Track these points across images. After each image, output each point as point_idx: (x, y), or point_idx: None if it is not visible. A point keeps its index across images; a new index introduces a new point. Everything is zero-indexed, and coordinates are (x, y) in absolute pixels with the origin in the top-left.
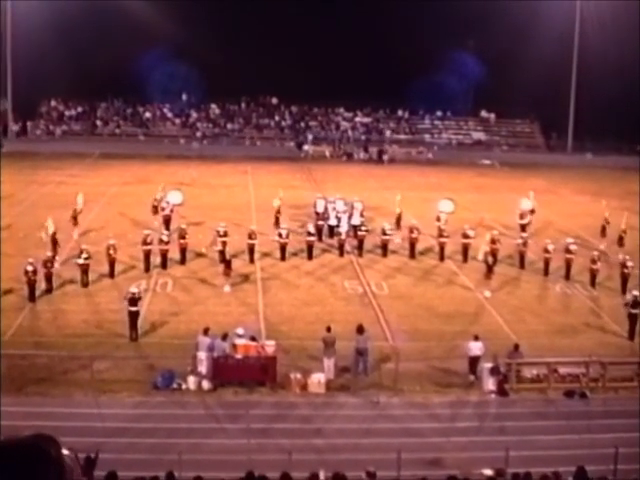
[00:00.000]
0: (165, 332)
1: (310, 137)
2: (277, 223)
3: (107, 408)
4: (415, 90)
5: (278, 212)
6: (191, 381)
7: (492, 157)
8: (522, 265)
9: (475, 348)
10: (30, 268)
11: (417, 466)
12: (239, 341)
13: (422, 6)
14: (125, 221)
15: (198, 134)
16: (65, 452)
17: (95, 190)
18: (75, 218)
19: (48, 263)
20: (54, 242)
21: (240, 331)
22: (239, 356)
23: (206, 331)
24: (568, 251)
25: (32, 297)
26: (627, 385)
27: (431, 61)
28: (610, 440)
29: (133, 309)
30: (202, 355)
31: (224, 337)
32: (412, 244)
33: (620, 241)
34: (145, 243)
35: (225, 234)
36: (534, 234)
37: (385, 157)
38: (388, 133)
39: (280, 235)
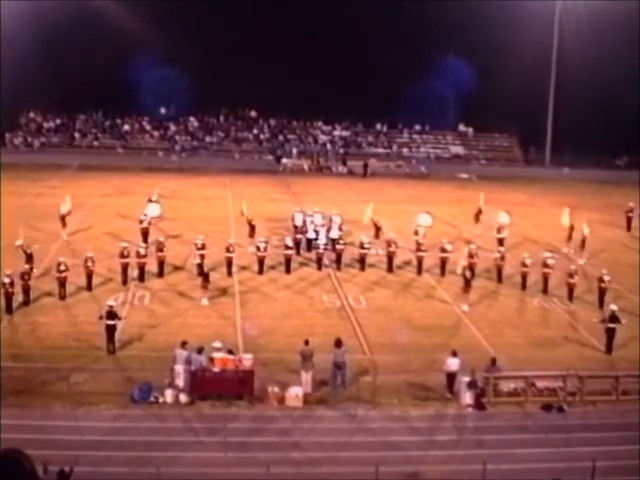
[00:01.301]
0: (143, 345)
1: (294, 151)
2: (252, 234)
3: (85, 421)
4: (394, 104)
5: (250, 222)
6: (168, 394)
7: (470, 171)
8: (500, 279)
9: (453, 364)
10: (7, 280)
11: (395, 479)
12: (217, 354)
13: (401, 21)
14: (103, 233)
15: (177, 147)
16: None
17: (74, 202)
18: (63, 219)
19: (25, 275)
20: (27, 254)
21: (217, 344)
22: (217, 369)
23: (184, 344)
24: (546, 265)
25: (9, 309)
26: (605, 399)
27: (410, 75)
28: (588, 453)
29: (110, 322)
30: (179, 368)
31: (199, 351)
32: (390, 258)
33: (582, 244)
34: (123, 256)
35: (203, 247)
36: (512, 247)
37: (369, 170)
38: (367, 147)
39: (258, 248)
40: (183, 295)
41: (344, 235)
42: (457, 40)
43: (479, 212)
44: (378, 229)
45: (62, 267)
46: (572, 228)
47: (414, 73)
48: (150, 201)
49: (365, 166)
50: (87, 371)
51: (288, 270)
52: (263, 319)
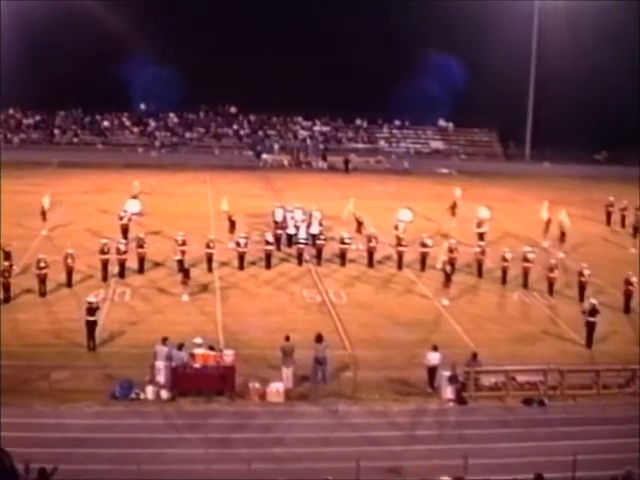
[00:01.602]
0: (123, 341)
1: (275, 147)
2: (232, 229)
3: (66, 418)
4: (374, 99)
5: (231, 218)
6: (149, 391)
7: (450, 166)
8: (480, 273)
9: (433, 358)
10: None
11: (376, 474)
12: (197, 350)
13: (381, 16)
14: (83, 230)
15: (157, 143)
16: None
17: (54, 199)
18: (44, 214)
19: (5, 273)
20: (5, 252)
21: (198, 340)
22: (197, 365)
23: (164, 340)
24: (526, 259)
25: None
26: (585, 393)
27: (389, 70)
28: (568, 447)
29: (91, 319)
30: (160, 364)
31: (180, 347)
32: (370, 253)
33: (562, 236)
34: (103, 252)
35: (184, 243)
36: (492, 242)
37: (350, 166)
38: (346, 142)
39: (238, 244)
40: (164, 291)
41: (324, 230)
42: (437, 36)
43: (454, 205)
44: (360, 224)
45: (42, 264)
46: (549, 221)
47: (394, 68)
48: (134, 197)
49: (346, 161)
50: (68, 368)
51: (268, 266)
52: (244, 315)
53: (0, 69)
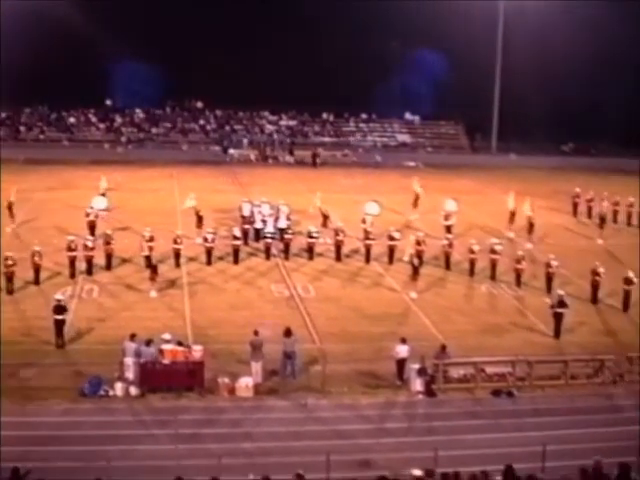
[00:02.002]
0: (92, 338)
1: (244, 142)
2: (200, 224)
3: (35, 416)
4: (340, 93)
5: (198, 213)
6: (118, 387)
7: (417, 159)
8: (448, 266)
9: (402, 351)
10: None
11: (346, 468)
12: (166, 346)
13: (346, 9)
14: (51, 227)
15: (123, 139)
16: None
17: (20, 196)
18: (10, 209)
19: None
20: None
21: (167, 336)
22: (166, 361)
23: (133, 337)
24: (493, 251)
25: None
26: (554, 383)
27: (355, 64)
28: (538, 438)
29: (59, 317)
30: (129, 361)
31: (148, 343)
32: (338, 246)
33: (530, 227)
34: (70, 249)
35: (151, 239)
36: (460, 235)
37: (318, 160)
38: (313, 136)
39: (206, 239)
40: (131, 288)
41: (292, 225)
42: (403, 29)
43: (417, 198)
44: (325, 218)
45: (9, 261)
46: (514, 212)
47: (360, 62)
48: (102, 195)
49: (314, 155)
50: (36, 366)
51: (236, 261)
52: (212, 310)
53: None
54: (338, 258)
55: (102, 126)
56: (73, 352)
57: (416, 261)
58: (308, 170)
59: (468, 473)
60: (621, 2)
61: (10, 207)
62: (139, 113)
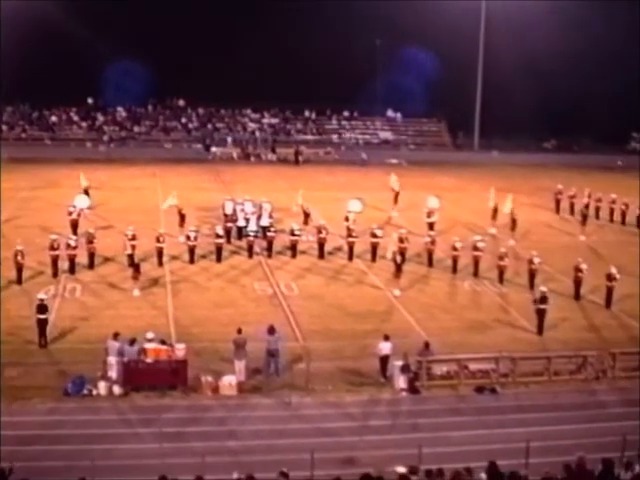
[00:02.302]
0: (75, 337)
1: (228, 140)
2: (182, 223)
3: (18, 415)
4: (321, 90)
5: (181, 212)
6: (102, 386)
7: (399, 156)
8: (430, 263)
9: (385, 348)
10: None
11: (331, 465)
12: (149, 345)
13: (327, 6)
14: (33, 226)
15: (105, 137)
16: None
17: (3, 195)
18: None
19: None
20: None
21: (150, 335)
22: (149, 360)
23: (116, 336)
24: (476, 248)
25: None
26: (537, 380)
27: (337, 61)
28: (521, 434)
29: (42, 317)
30: (112, 360)
31: (132, 342)
32: (321, 244)
33: (513, 224)
34: (52, 248)
35: (134, 237)
36: (442, 232)
37: (300, 158)
38: (295, 134)
39: (188, 237)
40: (114, 286)
41: (275, 222)
42: (385, 26)
43: (397, 194)
44: (307, 215)
45: None
46: (496, 209)
47: (342, 59)
48: (86, 192)
49: (297, 153)
50: (20, 365)
51: (219, 259)
52: (195, 309)
53: None
54: (321, 256)
55: (84, 125)
56: (56, 351)
57: (399, 258)
58: (290, 168)
59: (452, 470)
60: (603, 0)
61: None
62: (121, 112)
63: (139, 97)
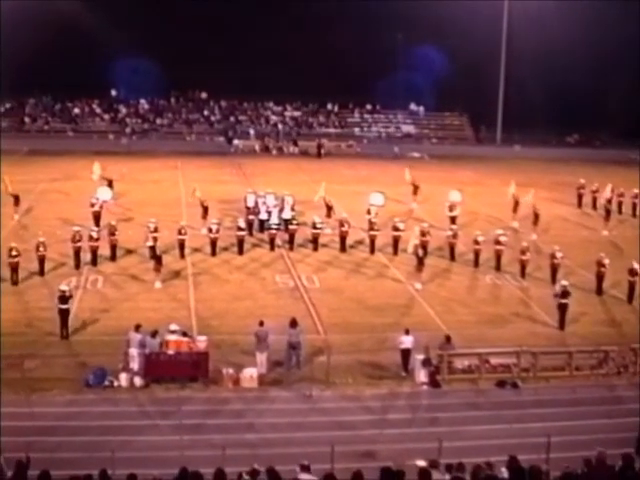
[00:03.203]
0: (96, 329)
1: (251, 132)
2: (205, 215)
3: (38, 407)
4: (344, 84)
5: (203, 204)
6: (123, 378)
7: (421, 150)
8: (452, 257)
9: (406, 342)
10: None
11: (350, 459)
12: (170, 337)
13: (352, 1)
14: (54, 217)
15: (127, 129)
16: None
17: (23, 187)
18: (17, 199)
19: None
20: None
21: (173, 327)
22: (171, 352)
23: (137, 327)
24: (498, 242)
25: None
26: (558, 374)
27: (360, 55)
28: (542, 429)
29: (63, 307)
30: (133, 352)
31: (153, 334)
32: (342, 237)
33: (535, 218)
34: (74, 240)
35: (155, 230)
36: (464, 225)
37: (323, 151)
38: (318, 127)
39: (210, 230)
40: (136, 278)
41: (296, 215)
42: (408, 20)
43: (416, 188)
44: (330, 208)
45: (14, 252)
46: (517, 202)
47: (365, 53)
48: (109, 185)
49: (319, 146)
50: (40, 357)
51: (241, 251)
52: (216, 301)
53: None
54: (343, 249)
55: (106, 117)
56: (77, 343)
57: (421, 252)
58: (312, 161)
59: (472, 464)
60: None
61: (16, 197)
62: (144, 104)
63: (162, 89)
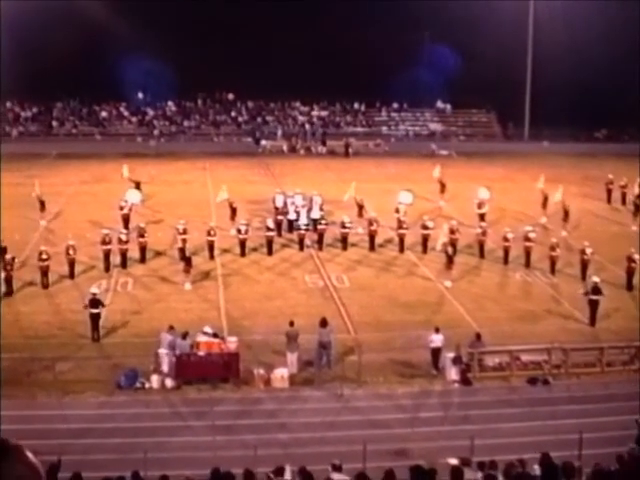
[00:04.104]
0: (127, 331)
1: (278, 133)
2: (234, 216)
3: (71, 409)
4: (371, 83)
5: (232, 205)
6: (154, 380)
7: (449, 147)
8: (482, 254)
9: (436, 340)
10: None
11: (383, 457)
12: (201, 338)
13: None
14: (84, 220)
15: (155, 132)
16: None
17: (53, 190)
18: (42, 204)
19: (8, 266)
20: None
21: (208, 329)
22: (202, 353)
23: (170, 328)
24: (527, 239)
25: None
26: (589, 371)
27: (387, 53)
28: (574, 425)
29: (94, 311)
30: (164, 352)
31: (184, 336)
32: (372, 236)
33: (565, 215)
34: (104, 242)
35: (185, 231)
36: (493, 223)
37: (350, 150)
38: (345, 126)
39: (239, 231)
40: (166, 280)
41: (325, 215)
42: (434, 17)
43: (443, 185)
44: (361, 208)
45: (44, 256)
46: (547, 198)
47: (391, 51)
48: (137, 187)
49: (347, 146)
50: (72, 359)
51: (270, 252)
52: (246, 301)
53: None
54: (372, 248)
55: (134, 119)
56: (108, 345)
57: (450, 250)
58: (340, 160)
59: (504, 461)
60: None
61: (42, 202)
62: (171, 106)
63: (189, 91)
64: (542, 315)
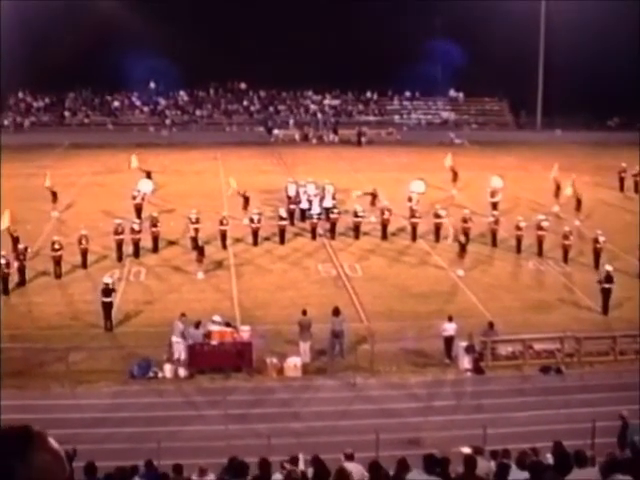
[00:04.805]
0: (140, 321)
1: (290, 122)
2: (246, 205)
3: (84, 399)
4: (383, 71)
5: (244, 194)
6: (167, 369)
7: (461, 136)
8: (494, 243)
9: (449, 329)
10: (3, 261)
11: (395, 446)
12: (214, 327)
13: None
14: (96, 211)
15: (167, 121)
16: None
17: (65, 180)
18: (54, 195)
19: (21, 256)
20: (13, 238)
21: (217, 318)
22: (214, 342)
23: (182, 316)
24: (540, 228)
25: (6, 290)
26: (602, 359)
27: (398, 42)
28: (587, 414)
29: (107, 300)
30: (177, 340)
31: (197, 325)
32: (384, 225)
33: (577, 204)
34: (117, 232)
35: (197, 221)
36: (506, 211)
37: (363, 139)
38: (357, 115)
39: (252, 220)
40: (178, 270)
41: (337, 204)
42: (446, 5)
43: (455, 174)
44: (374, 197)
45: (57, 246)
46: (559, 186)
47: (403, 40)
48: (148, 177)
49: (359, 134)
50: (85, 349)
51: (282, 241)
52: (259, 291)
53: (8, 53)
54: (384, 237)
55: (146, 109)
56: (121, 335)
57: (463, 238)
58: (352, 149)
59: (517, 450)
60: None
61: (54, 193)
62: (183, 96)
63: (200, 80)
64: (555, 304)
